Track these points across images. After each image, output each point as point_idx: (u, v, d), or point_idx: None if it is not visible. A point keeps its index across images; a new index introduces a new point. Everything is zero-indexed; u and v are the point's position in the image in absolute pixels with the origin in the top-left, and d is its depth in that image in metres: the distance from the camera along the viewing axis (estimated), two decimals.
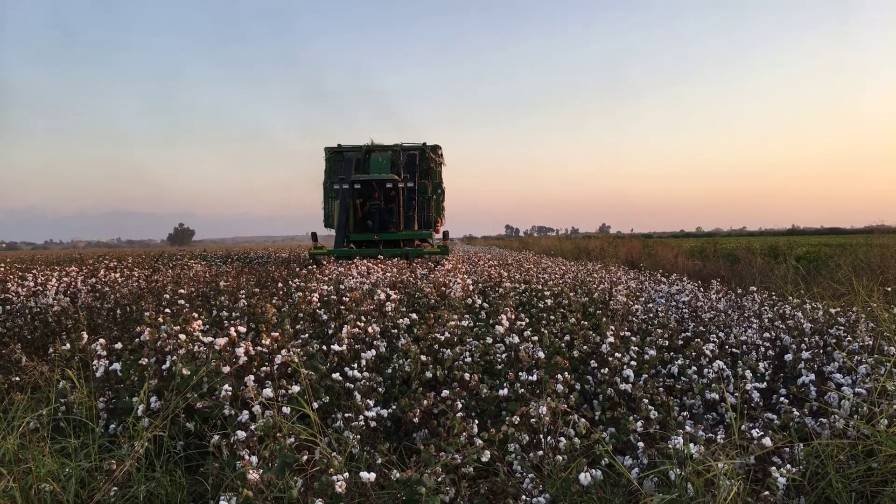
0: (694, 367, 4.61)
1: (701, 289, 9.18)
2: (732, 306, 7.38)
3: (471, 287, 7.40)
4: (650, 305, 7.29)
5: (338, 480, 2.35)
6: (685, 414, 3.97)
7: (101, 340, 4.24)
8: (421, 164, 19.21)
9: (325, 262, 12.67)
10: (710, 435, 3.52)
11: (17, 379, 4.26)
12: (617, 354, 4.51)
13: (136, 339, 4.42)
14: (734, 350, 5.10)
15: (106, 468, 3.07)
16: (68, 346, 4.29)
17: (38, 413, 3.49)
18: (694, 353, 4.84)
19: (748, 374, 4.37)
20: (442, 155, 19.70)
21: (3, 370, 4.58)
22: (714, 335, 5.60)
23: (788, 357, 4.72)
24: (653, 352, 4.76)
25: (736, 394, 3.98)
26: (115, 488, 2.99)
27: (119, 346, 4.31)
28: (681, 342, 5.31)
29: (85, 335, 4.38)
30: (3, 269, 12.34)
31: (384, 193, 17.50)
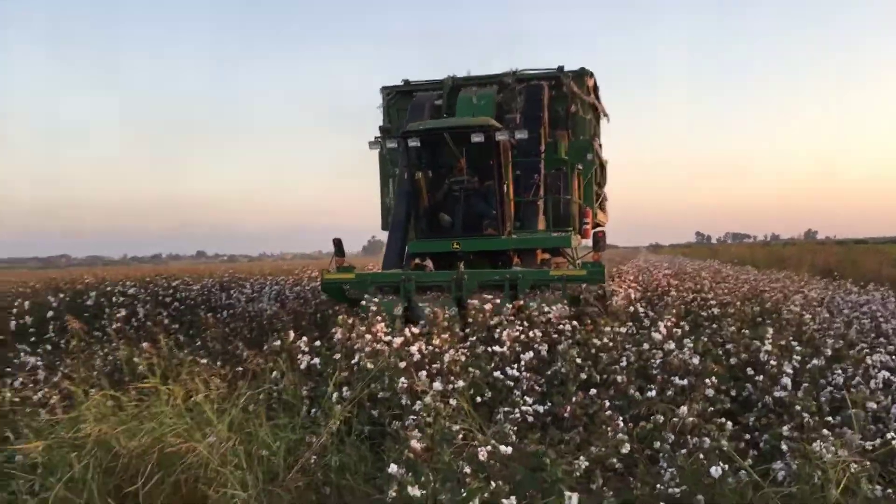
0: (858, 378, 4.51)
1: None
2: None
3: (633, 296, 7.54)
4: (825, 315, 6.99)
5: (481, 451, 2.84)
6: (839, 420, 3.96)
7: (305, 338, 5.10)
8: (555, 105, 9.83)
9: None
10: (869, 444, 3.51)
11: (240, 369, 5.20)
12: (772, 362, 4.55)
13: (332, 339, 5.27)
14: None
15: (308, 441, 3.80)
16: (279, 343, 5.19)
17: (258, 393, 4.31)
18: (864, 365, 4.72)
19: None
20: (597, 89, 10.59)
21: (231, 362, 5.58)
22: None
23: None
24: (815, 361, 4.72)
25: None
26: (315, 457, 3.69)
27: (318, 343, 5.15)
28: (851, 352, 5.15)
29: (292, 334, 5.26)
30: (227, 278, 14.32)
31: (472, 157, 8.52)
